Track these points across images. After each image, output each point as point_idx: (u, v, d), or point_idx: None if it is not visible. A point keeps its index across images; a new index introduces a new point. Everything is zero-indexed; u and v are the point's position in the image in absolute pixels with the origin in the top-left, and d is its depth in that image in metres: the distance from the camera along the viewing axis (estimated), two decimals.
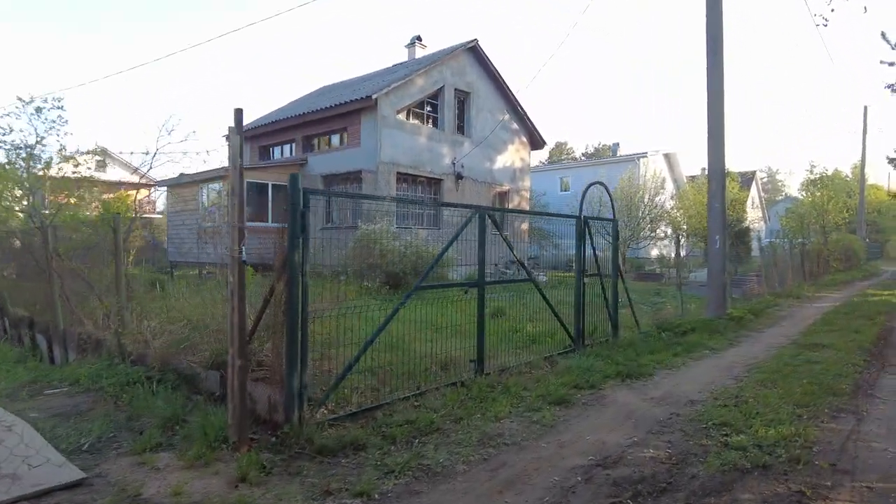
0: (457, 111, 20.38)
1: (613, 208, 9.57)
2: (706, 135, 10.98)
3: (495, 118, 21.56)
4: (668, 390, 5.87)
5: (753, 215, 46.96)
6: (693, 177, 36.10)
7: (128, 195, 26.38)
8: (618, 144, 39.52)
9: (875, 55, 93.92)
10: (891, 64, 10.43)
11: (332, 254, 16.62)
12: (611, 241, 9.50)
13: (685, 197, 31.20)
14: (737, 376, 6.57)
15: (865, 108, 35.26)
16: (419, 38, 22.69)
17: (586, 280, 8.24)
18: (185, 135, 10.61)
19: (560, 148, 72.08)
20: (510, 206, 22.27)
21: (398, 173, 18.02)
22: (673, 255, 33.22)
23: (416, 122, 19.15)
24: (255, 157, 22.41)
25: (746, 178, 45.03)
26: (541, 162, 48.68)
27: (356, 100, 17.44)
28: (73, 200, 11.48)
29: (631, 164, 32.33)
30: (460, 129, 20.56)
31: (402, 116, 18.44)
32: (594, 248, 8.53)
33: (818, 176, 26.14)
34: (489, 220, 6.91)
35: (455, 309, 6.71)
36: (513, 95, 21.91)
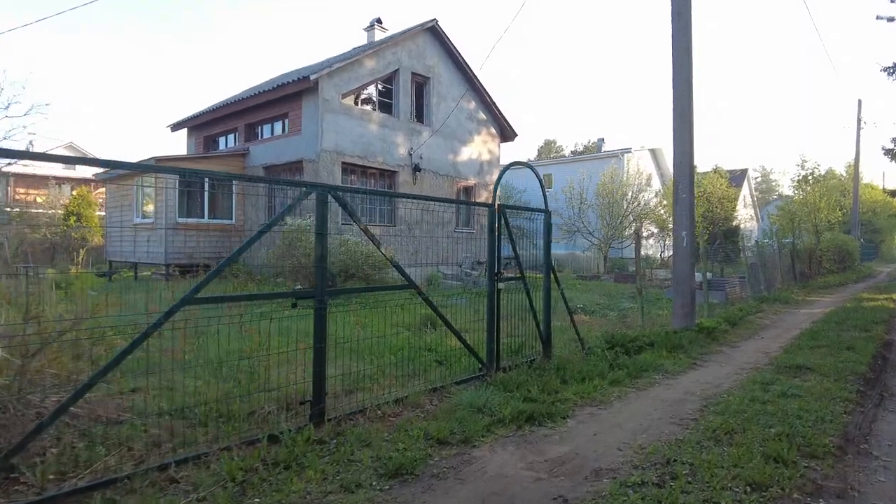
0: (414, 97, 18.63)
1: (545, 196, 7.81)
2: (671, 111, 9.26)
3: (460, 106, 19.81)
4: (577, 446, 4.11)
5: (745, 215, 45.39)
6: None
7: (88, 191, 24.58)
8: (603, 140, 37.87)
9: (869, 49, 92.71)
10: (890, 19, 8.66)
11: (267, 253, 14.99)
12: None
13: (670, 194, 29.58)
14: (685, 419, 4.83)
15: (859, 101, 33.62)
16: (379, 21, 20.90)
17: (502, 286, 6.49)
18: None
19: (549, 146, 70.43)
20: (477, 201, 20.50)
21: (344, 163, 16.25)
22: (660, 254, 31.67)
23: (367, 107, 17.38)
24: (199, 148, 20.61)
25: (737, 176, 43.43)
26: (529, 159, 46.92)
27: (294, 81, 15.66)
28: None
29: (614, 160, 30.60)
30: (419, 117, 18.80)
31: (349, 101, 16.67)
32: (514, 245, 6.77)
33: (809, 171, 24.52)
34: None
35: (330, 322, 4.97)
36: (480, 83, 20.17)
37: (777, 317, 12.14)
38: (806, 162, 24.73)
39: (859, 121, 33.77)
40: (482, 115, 20.65)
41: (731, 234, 29.69)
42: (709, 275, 23.49)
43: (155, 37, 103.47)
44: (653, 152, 36.33)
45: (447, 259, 19.13)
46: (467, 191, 20.43)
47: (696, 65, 10.17)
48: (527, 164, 7.69)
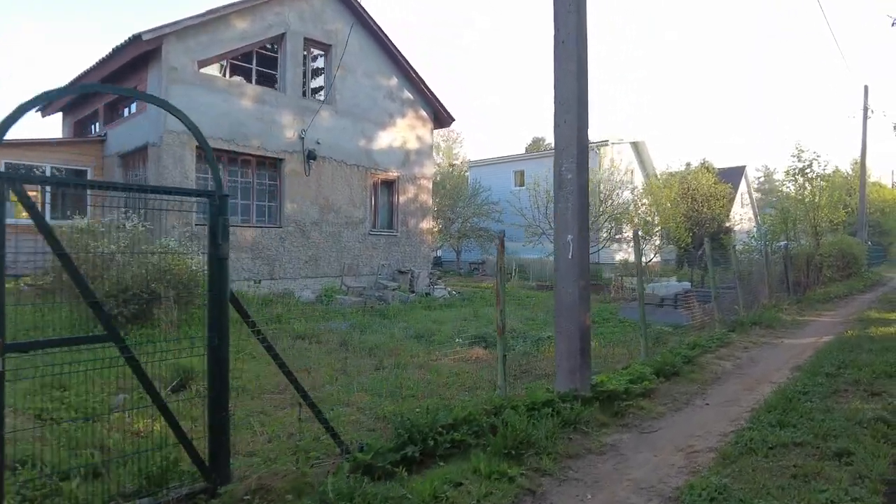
0: (311, 70, 15.11)
1: (215, 172, 4.05)
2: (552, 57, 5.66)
3: (376, 83, 16.28)
4: None
5: (745, 216, 41.58)
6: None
7: None
8: None
9: (876, 36, 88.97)
10: None
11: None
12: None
13: (657, 193, 25.90)
14: None
15: (866, 87, 29.91)
16: None
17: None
18: None
19: (537, 144, 66.70)
20: (401, 198, 16.98)
21: (201, 148, 12.72)
22: (648, 260, 27.93)
23: (239, 78, 13.86)
24: (72, 135, 17.16)
25: (732, 172, 39.70)
26: (519, 152, 42.74)
27: (128, 45, 12.18)
28: None
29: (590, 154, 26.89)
30: (317, 93, 15.28)
31: (211, 71, 13.17)
32: None
33: (807, 162, 20.84)
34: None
35: None
36: (403, 57, 16.65)
37: (747, 355, 8.50)
38: (802, 152, 21.03)
39: (866, 109, 30.07)
40: (407, 95, 17.11)
41: (722, 236, 26.03)
42: (687, 284, 19.88)
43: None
44: (635, 146, 32.69)
45: (357, 268, 15.58)
46: (388, 185, 16.88)
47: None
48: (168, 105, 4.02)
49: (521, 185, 33.24)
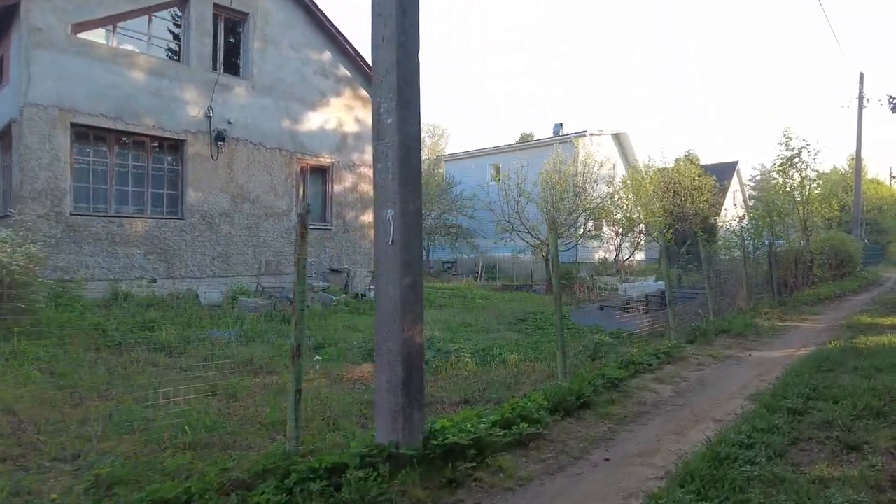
0: (223, 40, 13.22)
1: None
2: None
3: (305, 57, 14.41)
4: None
5: (736, 213, 39.64)
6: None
7: None
8: (560, 125, 32.36)
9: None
10: None
11: None
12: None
13: (636, 187, 24.03)
14: None
15: (861, 74, 28.00)
16: None
17: None
18: None
19: (526, 139, 64.76)
20: (337, 187, 15.11)
21: (79, 126, 10.86)
22: (626, 258, 25.93)
23: (129, 47, 11.97)
24: None
25: (723, 168, 37.84)
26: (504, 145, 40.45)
27: None
28: None
29: (561, 146, 25.00)
30: (231, 67, 13.40)
31: (91, 36, 11.28)
32: None
33: (795, 151, 18.98)
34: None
35: None
36: (337, 30, 14.78)
37: (698, 375, 6.63)
38: (791, 139, 19.15)
39: (861, 98, 28.17)
40: (344, 72, 15.23)
41: (708, 233, 24.16)
42: (662, 285, 18.02)
43: None
44: (616, 137, 30.84)
45: (280, 266, 13.70)
46: (320, 172, 14.99)
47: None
48: None
49: (499, 179, 31.34)
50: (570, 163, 23.76)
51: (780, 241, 19.12)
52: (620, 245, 23.65)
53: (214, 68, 12.86)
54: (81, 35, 10.98)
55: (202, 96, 12.44)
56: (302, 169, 14.48)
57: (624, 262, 23.42)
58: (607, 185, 23.95)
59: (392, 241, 3.59)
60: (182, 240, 12.17)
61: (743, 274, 13.10)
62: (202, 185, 12.49)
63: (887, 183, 50.23)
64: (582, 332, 10.40)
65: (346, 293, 14.13)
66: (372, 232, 14.80)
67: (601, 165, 24.41)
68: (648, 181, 22.96)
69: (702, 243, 11.46)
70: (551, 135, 32.21)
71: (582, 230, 23.76)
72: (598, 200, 23.88)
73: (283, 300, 11.88)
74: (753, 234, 16.29)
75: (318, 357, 7.07)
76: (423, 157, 42.98)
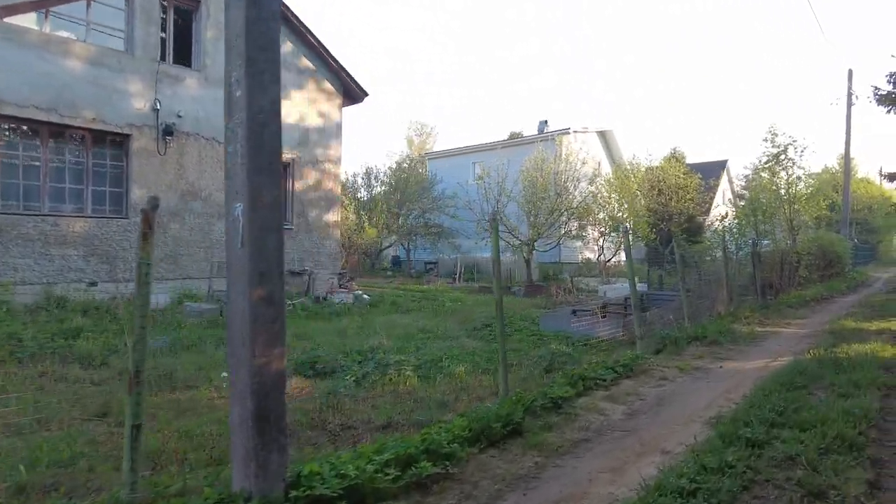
0: (172, 28, 12.46)
1: None
2: None
3: None
4: None
5: (724, 212, 39.08)
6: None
7: None
8: (546, 122, 31.70)
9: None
10: None
11: None
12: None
13: (618, 184, 23.37)
14: None
15: (850, 71, 27.45)
16: None
17: None
18: None
19: (515, 138, 64.07)
20: (298, 184, 14.37)
21: (4, 116, 10.08)
22: (609, 258, 25.13)
23: (66, 34, 11.19)
24: None
25: (712, 167, 37.29)
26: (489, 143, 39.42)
27: None
28: None
29: (542, 144, 24.28)
30: (181, 58, 12.62)
31: (21, 21, 10.49)
32: None
33: (781, 147, 18.38)
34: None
35: None
36: (298, 19, 14.04)
37: (658, 392, 5.92)
38: (776, 136, 18.52)
39: (850, 94, 27.67)
40: (307, 64, 14.49)
41: (693, 233, 23.56)
42: (643, 286, 17.36)
43: None
44: (602, 135, 30.25)
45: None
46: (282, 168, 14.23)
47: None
48: None
49: (481, 178, 30.61)
50: (552, 161, 23.10)
51: (766, 241, 18.53)
52: (603, 245, 22.99)
53: (163, 58, 12.09)
54: (9, 20, 10.19)
55: (149, 88, 11.67)
56: None
57: (607, 262, 22.76)
58: (590, 184, 23.30)
59: (241, 244, 2.87)
60: (126, 240, 11.40)
61: (723, 275, 12.43)
62: (148, 183, 11.73)
63: (877, 182, 49.75)
64: (546, 339, 9.73)
65: (308, 296, 13.40)
66: (337, 232, 14.05)
67: (584, 163, 23.76)
68: (632, 179, 22.29)
69: (677, 242, 10.78)
70: (536, 133, 31.55)
71: (563, 230, 23.10)
72: (580, 199, 23.25)
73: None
74: (736, 234, 15.63)
75: (224, 374, 6.34)
76: (407, 154, 41.84)
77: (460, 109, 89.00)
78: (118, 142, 11.48)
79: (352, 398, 5.94)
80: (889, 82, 13.24)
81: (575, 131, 26.93)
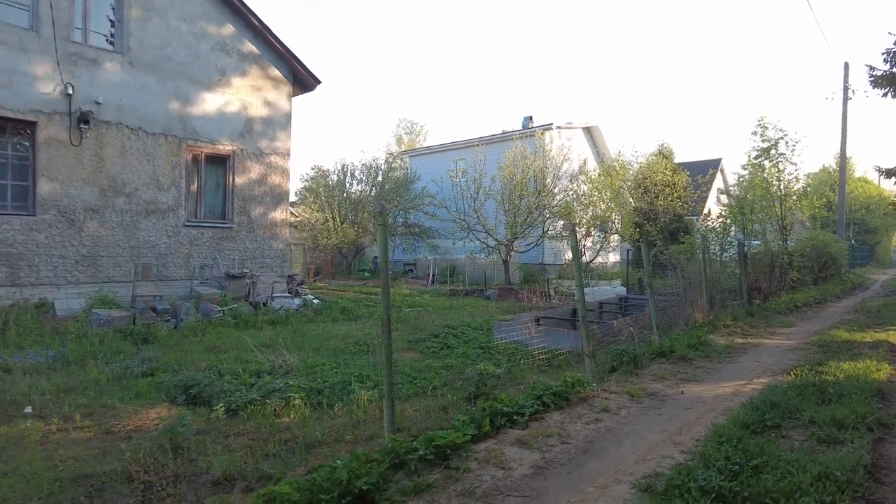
0: (88, 5, 11.21)
1: None
2: None
3: (200, 31, 12.44)
4: None
5: (707, 210, 37.78)
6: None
7: None
8: (530, 118, 30.42)
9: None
10: None
11: None
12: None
13: (602, 181, 22.12)
14: None
15: (846, 64, 26.22)
16: None
17: None
18: None
19: (496, 134, 62.73)
20: (240, 178, 13.14)
21: None
22: (590, 259, 23.71)
23: None
24: None
25: (706, 166, 36.04)
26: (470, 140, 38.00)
27: None
28: None
29: (520, 141, 22.95)
30: (102, 39, 11.38)
31: None
32: None
33: (772, 141, 17.15)
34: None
35: None
36: (241, 2, 12.83)
37: (591, 431, 4.67)
38: (766, 129, 17.25)
39: (846, 89, 26.45)
40: (251, 49, 13.26)
41: (677, 234, 22.33)
42: (622, 290, 16.14)
43: None
44: (588, 131, 28.98)
45: (166, 271, 11.72)
46: (219, 162, 13.00)
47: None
48: None
49: (464, 175, 29.40)
50: (533, 157, 21.87)
51: (756, 242, 17.30)
52: (584, 245, 21.76)
53: (78, 39, 10.86)
54: None
55: (59, 70, 10.44)
56: (195, 158, 12.49)
57: (589, 263, 21.53)
58: (570, 181, 22.08)
59: None
60: (32, 240, 10.17)
61: (702, 279, 11.20)
62: (60, 176, 10.50)
63: (874, 180, 48.52)
64: (493, 354, 8.50)
65: (249, 301, 12.17)
66: (285, 231, 12.74)
67: (565, 159, 22.55)
68: (614, 176, 21.07)
69: (646, 242, 9.56)
70: (521, 129, 30.28)
71: (543, 229, 21.87)
72: (561, 197, 22.03)
73: (143, 313, 9.89)
74: (721, 234, 14.39)
75: (28, 409, 5.10)
76: (388, 151, 40.39)
77: (452, 109, 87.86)
78: (21, 130, 10.24)
79: (205, 435, 4.72)
80: (886, 61, 11.89)
81: (558, 127, 25.68)
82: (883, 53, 11.71)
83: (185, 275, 12.04)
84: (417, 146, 53.52)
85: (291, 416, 5.30)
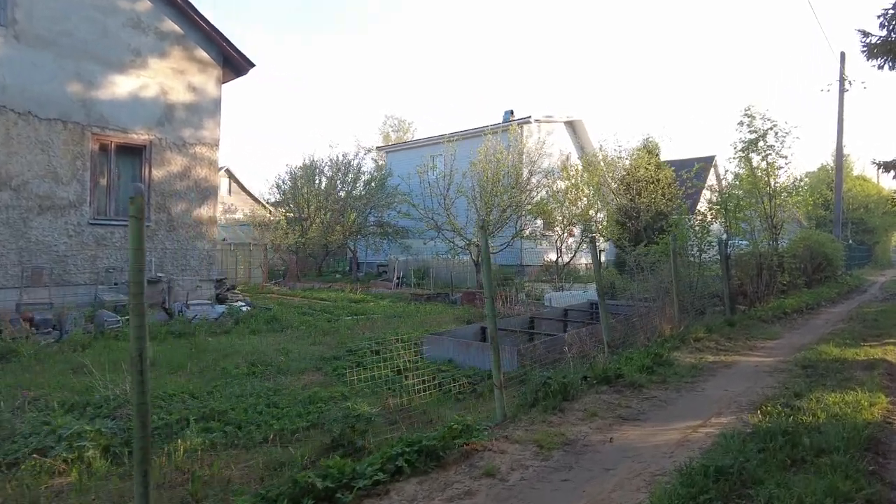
0: None
1: None
2: None
3: (107, 5, 11.01)
4: None
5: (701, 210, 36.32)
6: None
7: None
8: (511, 112, 28.99)
9: None
10: None
11: None
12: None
13: (579, 178, 20.68)
14: None
15: (842, 54, 24.88)
16: None
17: None
18: None
19: (472, 129, 61.37)
20: (158, 171, 11.70)
21: None
22: (567, 260, 22.13)
23: None
24: None
25: (692, 163, 34.51)
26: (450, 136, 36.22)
27: None
28: None
29: (493, 136, 21.43)
30: None
31: None
32: None
33: (760, 133, 15.73)
34: None
35: None
36: None
37: None
38: (754, 119, 15.79)
39: (842, 80, 25.07)
40: (172, 27, 11.83)
41: (657, 231, 20.84)
42: (593, 294, 14.67)
43: None
44: (571, 125, 27.61)
45: (67, 275, 10.28)
46: (133, 152, 11.56)
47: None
48: None
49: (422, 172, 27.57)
50: (507, 152, 20.43)
51: (745, 243, 15.86)
52: (561, 246, 20.35)
53: None
54: None
55: None
56: (103, 147, 11.06)
57: (566, 265, 20.10)
58: (546, 178, 20.65)
59: None
60: None
61: (672, 285, 9.76)
62: None
63: (872, 175, 47.07)
64: (408, 376, 7.04)
65: (165, 308, 10.74)
66: (212, 230, 11.29)
67: (542, 154, 21.12)
68: (592, 172, 19.66)
69: (587, 241, 8.13)
70: (501, 123, 28.84)
71: (518, 228, 20.42)
72: (539, 194, 20.62)
73: (15, 324, 8.45)
74: (699, 232, 12.95)
75: None
76: (359, 145, 38.79)
77: (440, 106, 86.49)
78: None
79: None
80: (883, 25, 10.27)
81: (537, 120, 24.28)
82: (879, 16, 10.13)
83: (89, 279, 10.60)
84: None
85: (73, 476, 3.89)
